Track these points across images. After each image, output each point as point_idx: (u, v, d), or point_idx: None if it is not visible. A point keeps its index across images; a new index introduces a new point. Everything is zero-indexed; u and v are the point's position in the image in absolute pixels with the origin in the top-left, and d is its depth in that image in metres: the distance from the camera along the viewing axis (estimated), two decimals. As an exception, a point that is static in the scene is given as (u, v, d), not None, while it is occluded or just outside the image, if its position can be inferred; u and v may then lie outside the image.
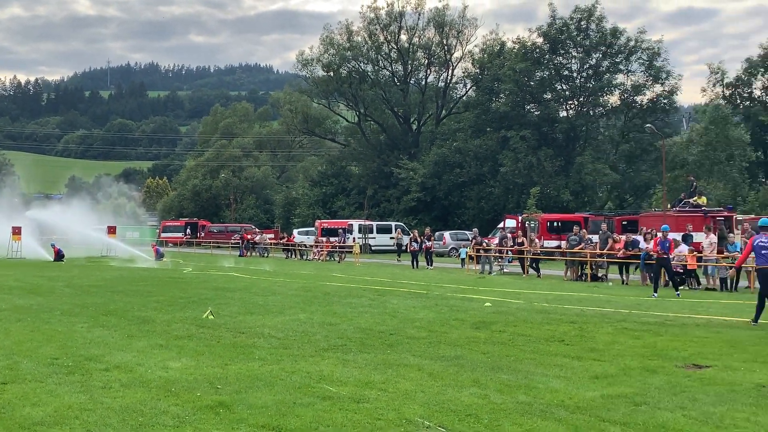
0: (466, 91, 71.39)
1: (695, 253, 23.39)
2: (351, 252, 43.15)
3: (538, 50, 60.73)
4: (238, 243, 53.29)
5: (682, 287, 21.96)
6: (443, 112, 71.62)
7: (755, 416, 6.70)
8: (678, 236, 26.58)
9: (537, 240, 33.13)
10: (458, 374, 8.61)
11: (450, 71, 70.50)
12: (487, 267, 31.57)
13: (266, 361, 9.31)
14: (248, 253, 50.03)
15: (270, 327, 12.51)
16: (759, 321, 13.48)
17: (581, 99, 62.02)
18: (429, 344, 10.85)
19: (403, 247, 41.58)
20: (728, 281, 22.81)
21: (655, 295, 20.03)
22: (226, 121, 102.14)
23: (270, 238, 54.59)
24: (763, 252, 13.66)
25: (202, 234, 69.37)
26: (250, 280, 24.95)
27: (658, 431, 6.22)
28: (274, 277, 26.62)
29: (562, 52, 61.19)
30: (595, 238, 28.27)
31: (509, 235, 33.12)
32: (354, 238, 50.10)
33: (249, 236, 53.23)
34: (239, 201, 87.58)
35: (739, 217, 36.26)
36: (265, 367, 8.95)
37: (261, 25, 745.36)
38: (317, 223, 57.74)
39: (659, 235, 21.93)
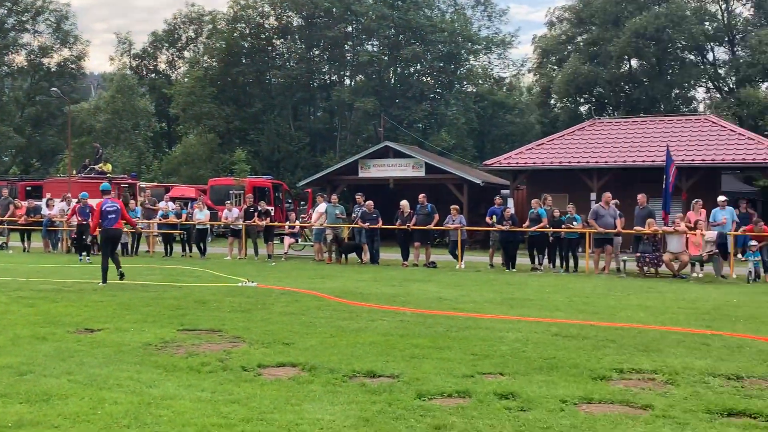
0: None
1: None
2: None
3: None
4: None
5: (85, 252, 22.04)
6: None
7: (138, 374, 7.06)
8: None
9: None
10: None
11: None
12: None
13: None
14: None
15: None
16: (108, 281, 14.41)
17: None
18: None
19: None
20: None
21: (87, 258, 20.55)
22: None
23: None
24: (109, 216, 14.79)
25: None
26: None
27: (41, 398, 6.15)
28: None
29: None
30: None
31: None
32: None
33: None
34: None
35: (143, 184, 38.03)
36: None
37: None
38: None
39: (80, 201, 21.91)
